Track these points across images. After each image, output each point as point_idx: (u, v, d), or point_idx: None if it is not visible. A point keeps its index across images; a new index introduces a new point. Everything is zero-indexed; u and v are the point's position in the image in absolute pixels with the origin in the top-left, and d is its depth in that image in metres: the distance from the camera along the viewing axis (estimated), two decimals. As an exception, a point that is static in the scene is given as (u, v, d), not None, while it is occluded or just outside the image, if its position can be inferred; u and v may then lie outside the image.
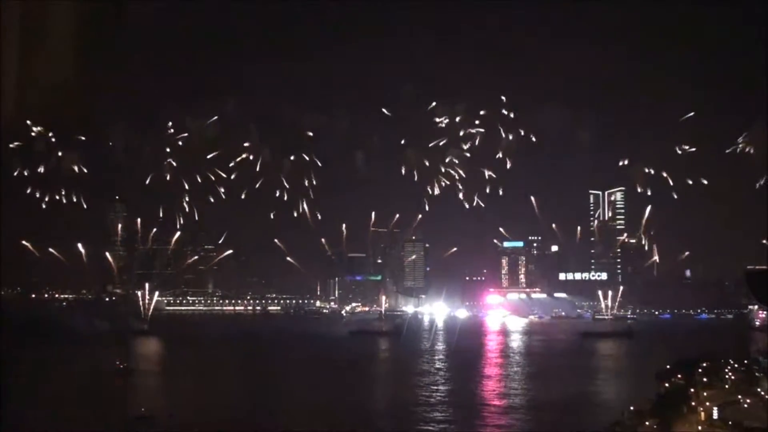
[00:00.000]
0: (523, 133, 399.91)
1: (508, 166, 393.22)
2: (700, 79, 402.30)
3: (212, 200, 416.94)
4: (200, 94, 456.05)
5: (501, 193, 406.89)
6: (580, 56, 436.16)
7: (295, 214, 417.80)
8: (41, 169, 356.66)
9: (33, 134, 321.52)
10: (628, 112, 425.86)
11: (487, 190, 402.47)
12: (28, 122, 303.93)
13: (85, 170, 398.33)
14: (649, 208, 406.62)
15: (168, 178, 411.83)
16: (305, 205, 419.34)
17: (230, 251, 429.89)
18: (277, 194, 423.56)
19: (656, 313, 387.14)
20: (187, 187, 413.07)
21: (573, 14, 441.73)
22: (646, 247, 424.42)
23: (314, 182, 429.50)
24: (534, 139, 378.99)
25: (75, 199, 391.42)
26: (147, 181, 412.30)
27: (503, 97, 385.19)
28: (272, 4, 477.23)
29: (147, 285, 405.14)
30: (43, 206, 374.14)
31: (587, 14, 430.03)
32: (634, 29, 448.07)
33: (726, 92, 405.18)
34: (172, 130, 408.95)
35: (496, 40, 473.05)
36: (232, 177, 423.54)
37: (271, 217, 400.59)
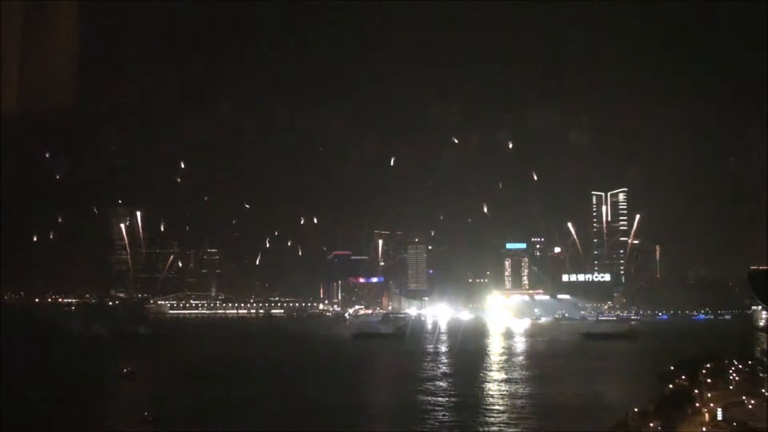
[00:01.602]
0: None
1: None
2: (705, 82, 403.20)
3: (216, 204, 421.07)
4: (206, 99, 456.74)
5: (504, 192, 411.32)
6: (584, 57, 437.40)
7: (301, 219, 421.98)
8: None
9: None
10: (633, 115, 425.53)
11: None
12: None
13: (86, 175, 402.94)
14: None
15: (172, 182, 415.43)
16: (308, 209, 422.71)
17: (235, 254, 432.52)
18: (282, 199, 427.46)
19: (657, 313, 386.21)
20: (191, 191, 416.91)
21: (579, 14, 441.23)
22: (649, 248, 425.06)
23: (319, 186, 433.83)
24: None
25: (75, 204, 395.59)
26: (151, 186, 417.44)
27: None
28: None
29: (150, 289, 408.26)
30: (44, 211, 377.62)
31: (593, 14, 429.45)
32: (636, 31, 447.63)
33: (729, 94, 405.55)
34: (177, 134, 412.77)
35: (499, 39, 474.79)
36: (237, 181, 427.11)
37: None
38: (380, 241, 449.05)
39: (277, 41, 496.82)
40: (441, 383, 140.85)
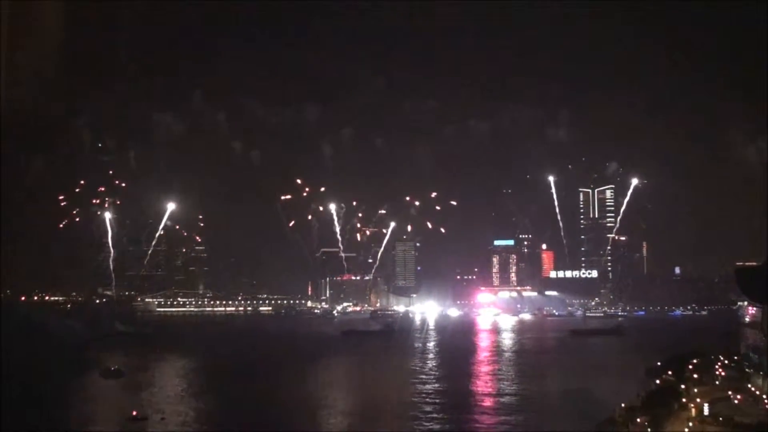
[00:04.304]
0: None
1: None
2: (693, 81, 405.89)
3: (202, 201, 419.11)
4: (188, 95, 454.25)
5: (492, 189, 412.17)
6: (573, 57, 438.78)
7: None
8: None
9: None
10: (621, 113, 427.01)
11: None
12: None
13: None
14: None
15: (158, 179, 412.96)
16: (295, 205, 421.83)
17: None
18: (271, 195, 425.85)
19: (639, 309, 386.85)
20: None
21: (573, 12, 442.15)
22: (636, 245, 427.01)
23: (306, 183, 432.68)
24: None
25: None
26: (138, 183, 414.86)
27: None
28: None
29: (138, 287, 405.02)
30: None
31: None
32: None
33: (716, 94, 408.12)
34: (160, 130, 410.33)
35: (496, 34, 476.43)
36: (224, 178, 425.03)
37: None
38: (369, 238, 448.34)
39: (258, 34, 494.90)
40: (429, 381, 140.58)
